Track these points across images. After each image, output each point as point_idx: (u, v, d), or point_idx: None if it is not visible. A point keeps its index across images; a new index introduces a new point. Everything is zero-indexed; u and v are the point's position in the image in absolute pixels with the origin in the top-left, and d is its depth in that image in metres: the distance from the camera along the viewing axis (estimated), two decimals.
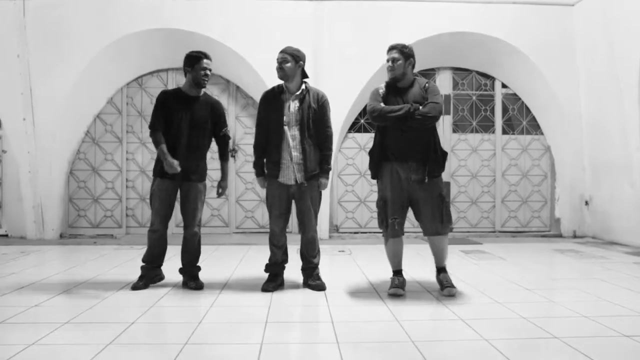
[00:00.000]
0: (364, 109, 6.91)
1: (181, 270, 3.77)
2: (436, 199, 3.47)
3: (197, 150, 3.68)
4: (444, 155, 3.54)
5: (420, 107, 3.37)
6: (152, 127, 3.63)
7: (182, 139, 3.61)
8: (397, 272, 3.60)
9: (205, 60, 3.61)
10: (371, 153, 3.61)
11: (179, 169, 3.52)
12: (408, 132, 3.40)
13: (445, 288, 3.49)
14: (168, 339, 2.61)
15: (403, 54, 3.48)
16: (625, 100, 5.70)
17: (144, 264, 3.71)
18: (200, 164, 3.75)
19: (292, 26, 6.18)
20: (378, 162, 3.53)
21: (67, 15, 6.06)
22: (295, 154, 3.54)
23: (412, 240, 5.90)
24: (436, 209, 3.46)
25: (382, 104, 3.46)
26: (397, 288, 3.48)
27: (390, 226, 3.48)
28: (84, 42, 6.06)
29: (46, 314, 3.02)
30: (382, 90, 3.55)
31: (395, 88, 3.53)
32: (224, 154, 3.90)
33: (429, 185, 3.44)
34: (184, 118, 3.60)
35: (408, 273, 4.14)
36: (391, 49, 3.51)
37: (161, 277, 3.79)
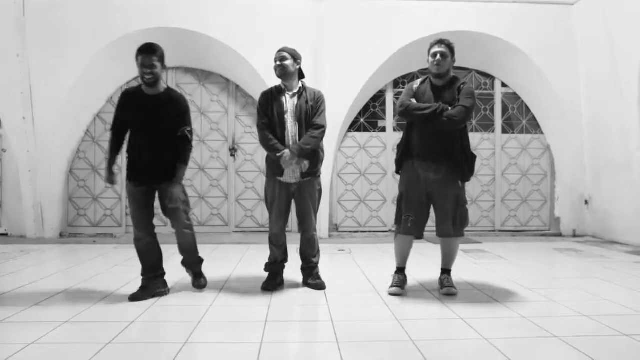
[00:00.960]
0: (364, 108, 6.92)
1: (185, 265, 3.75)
2: (452, 201, 3.38)
3: (159, 151, 3.37)
4: (473, 158, 3.42)
5: (449, 109, 3.28)
6: (111, 129, 3.52)
7: (141, 140, 3.39)
8: (400, 270, 3.58)
9: (142, 57, 3.28)
10: (398, 147, 3.60)
11: (110, 184, 3.46)
12: (435, 132, 3.30)
13: (444, 287, 3.49)
14: (168, 338, 2.61)
15: (450, 49, 3.37)
16: (625, 99, 5.70)
17: (142, 276, 3.47)
18: (164, 164, 3.40)
19: (292, 26, 6.18)
20: (401, 157, 3.50)
21: (67, 15, 6.06)
22: None
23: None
24: (450, 211, 3.38)
25: (413, 100, 3.39)
26: (397, 287, 3.47)
27: (403, 223, 3.43)
28: (83, 41, 6.05)
29: (46, 313, 3.01)
30: (415, 86, 3.48)
31: (432, 85, 3.43)
32: (182, 156, 3.43)
33: (447, 187, 3.37)
34: (142, 119, 3.37)
35: (409, 272, 4.14)
36: (439, 42, 3.36)
37: (164, 292, 3.46)
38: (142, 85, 3.46)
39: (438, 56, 3.34)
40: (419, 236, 3.51)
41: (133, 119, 3.42)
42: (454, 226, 3.41)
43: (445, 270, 3.59)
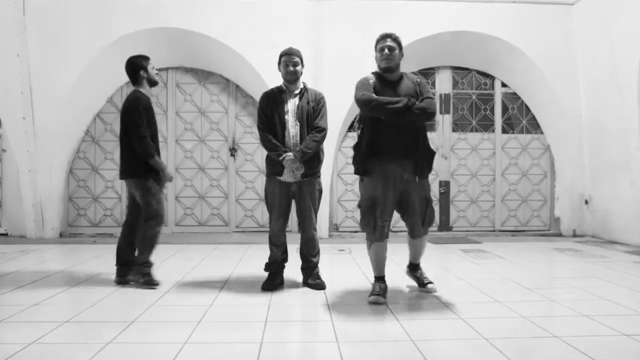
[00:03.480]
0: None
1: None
2: (421, 202, 3.37)
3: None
4: (432, 154, 3.37)
5: (417, 102, 3.22)
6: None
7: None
8: (380, 279, 3.39)
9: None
10: (356, 148, 3.36)
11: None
12: (400, 128, 3.20)
13: (427, 284, 3.53)
14: (168, 338, 2.60)
15: (398, 43, 3.33)
16: (625, 99, 5.70)
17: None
18: (126, 160, 3.70)
19: (292, 26, 6.18)
20: (365, 158, 3.27)
21: (67, 15, 6.06)
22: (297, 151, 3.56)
23: (404, 240, 5.89)
24: (420, 213, 3.38)
25: (378, 96, 3.23)
26: (378, 296, 3.27)
27: (379, 229, 3.26)
28: (83, 41, 6.05)
29: (46, 313, 3.02)
30: (372, 81, 3.33)
31: (385, 80, 3.34)
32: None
33: (418, 186, 3.33)
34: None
35: (403, 268, 4.14)
36: (386, 36, 3.33)
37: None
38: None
39: (386, 50, 3.28)
40: (388, 237, 3.39)
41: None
42: (422, 227, 3.42)
43: (416, 265, 3.63)
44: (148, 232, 3.68)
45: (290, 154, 3.48)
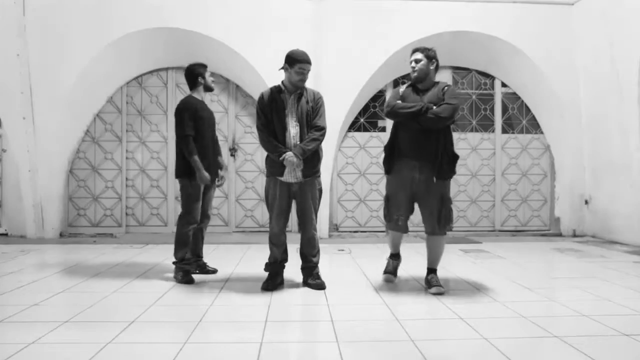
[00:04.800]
0: (364, 108, 6.92)
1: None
2: (437, 199, 3.51)
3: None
4: (454, 158, 3.55)
5: (434, 107, 3.42)
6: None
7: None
8: (394, 255, 3.92)
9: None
10: (385, 148, 3.75)
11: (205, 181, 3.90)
12: (419, 132, 3.46)
13: (433, 287, 3.54)
14: (168, 338, 2.61)
15: (426, 55, 3.58)
16: (625, 99, 5.70)
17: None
18: (176, 160, 4.00)
19: (292, 26, 6.18)
20: (388, 157, 3.67)
21: (67, 15, 6.05)
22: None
23: (411, 240, 5.90)
24: (435, 210, 3.51)
25: (399, 102, 3.55)
26: (389, 274, 3.85)
27: (394, 222, 3.66)
28: (84, 41, 6.05)
29: (46, 313, 3.02)
30: (402, 89, 3.67)
31: (417, 89, 3.63)
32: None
33: (433, 186, 3.50)
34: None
35: (407, 271, 4.14)
36: (415, 51, 3.62)
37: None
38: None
39: (413, 63, 3.60)
40: (405, 231, 3.74)
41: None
42: (438, 224, 3.53)
43: (432, 270, 3.66)
44: (179, 230, 3.93)
45: (290, 153, 3.48)
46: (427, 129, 3.44)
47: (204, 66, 4.07)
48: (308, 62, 3.55)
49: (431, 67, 3.59)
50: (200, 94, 4.08)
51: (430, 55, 3.58)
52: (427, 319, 2.98)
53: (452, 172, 3.55)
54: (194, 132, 3.89)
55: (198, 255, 4.13)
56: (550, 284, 3.97)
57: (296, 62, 3.52)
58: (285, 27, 6.14)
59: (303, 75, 3.55)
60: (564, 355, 2.35)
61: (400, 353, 2.38)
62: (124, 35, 6.09)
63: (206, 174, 3.87)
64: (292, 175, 3.56)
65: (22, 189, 6.13)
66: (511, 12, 6.45)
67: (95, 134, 6.76)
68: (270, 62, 5.87)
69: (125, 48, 6.27)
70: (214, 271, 4.14)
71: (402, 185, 3.57)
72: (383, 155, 3.77)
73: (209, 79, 4.08)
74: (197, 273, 4.02)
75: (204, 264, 4.16)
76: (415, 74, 3.58)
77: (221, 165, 4.19)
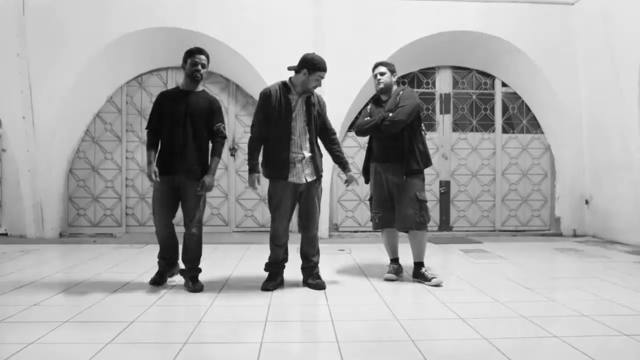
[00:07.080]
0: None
1: (181, 271, 3.75)
2: (408, 197, 3.72)
3: (193, 144, 3.57)
4: (423, 155, 3.78)
5: (390, 114, 3.68)
6: (147, 127, 3.70)
7: (176, 133, 3.55)
8: (393, 260, 4.02)
9: (198, 55, 3.64)
10: (364, 160, 4.11)
11: (154, 178, 3.52)
12: (387, 137, 3.76)
13: (432, 278, 3.71)
14: (167, 338, 2.60)
15: (389, 69, 3.89)
16: (626, 99, 5.70)
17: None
18: (199, 159, 3.63)
19: (292, 26, 6.18)
20: (366, 163, 4.04)
21: (67, 15, 6.05)
22: (306, 152, 3.58)
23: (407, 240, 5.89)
24: (408, 207, 3.71)
25: (366, 119, 3.88)
26: (391, 273, 3.91)
27: (372, 219, 3.97)
28: (83, 41, 6.05)
29: (45, 313, 3.02)
30: (369, 107, 3.99)
31: (380, 101, 3.93)
32: (216, 150, 3.69)
33: (405, 185, 3.73)
34: (179, 112, 3.56)
35: (407, 272, 4.14)
36: (378, 65, 3.92)
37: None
38: (179, 84, 3.77)
39: (378, 76, 3.89)
40: (385, 226, 3.92)
41: (168, 112, 3.66)
42: (413, 221, 3.71)
43: (420, 264, 3.83)
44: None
45: (303, 154, 3.59)
46: (388, 135, 3.72)
47: (190, 52, 3.64)
48: (326, 70, 3.58)
49: (393, 79, 3.90)
50: (186, 83, 3.67)
51: (392, 69, 3.90)
52: (427, 319, 2.98)
53: (421, 170, 3.78)
54: (157, 125, 3.61)
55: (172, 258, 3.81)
56: (550, 284, 3.97)
57: (318, 69, 3.51)
58: (286, 26, 6.14)
59: (319, 82, 3.57)
60: (564, 355, 2.35)
61: (400, 353, 2.37)
62: (124, 35, 6.09)
63: (149, 170, 3.54)
64: (302, 176, 3.57)
65: (22, 189, 6.13)
66: (511, 11, 6.45)
67: (95, 134, 6.76)
68: (270, 61, 5.86)
69: (125, 48, 6.27)
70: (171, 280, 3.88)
71: (379, 185, 3.88)
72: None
73: (191, 67, 3.59)
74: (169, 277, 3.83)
75: (176, 272, 3.86)
76: (381, 85, 3.87)
77: (204, 168, 3.68)
